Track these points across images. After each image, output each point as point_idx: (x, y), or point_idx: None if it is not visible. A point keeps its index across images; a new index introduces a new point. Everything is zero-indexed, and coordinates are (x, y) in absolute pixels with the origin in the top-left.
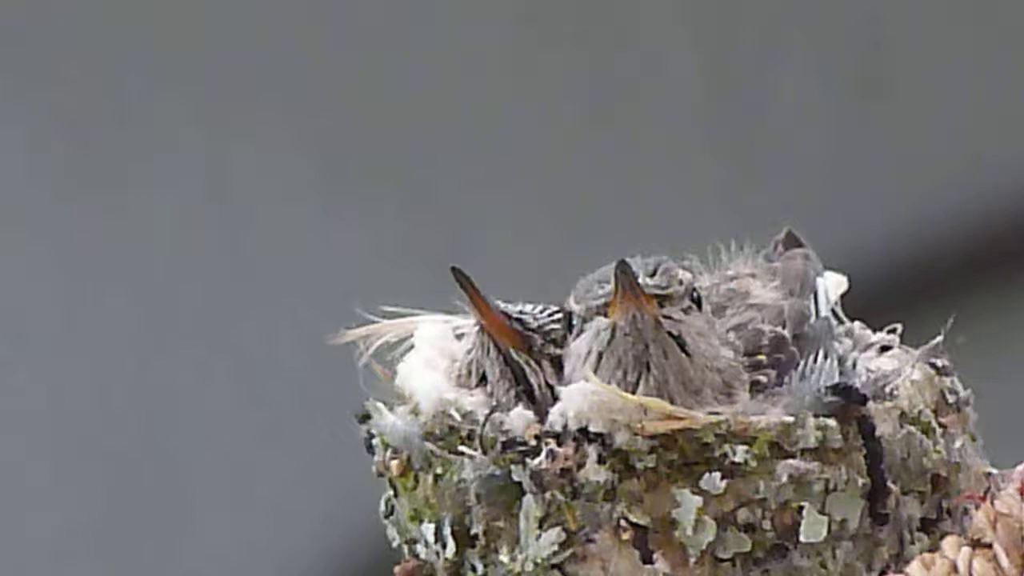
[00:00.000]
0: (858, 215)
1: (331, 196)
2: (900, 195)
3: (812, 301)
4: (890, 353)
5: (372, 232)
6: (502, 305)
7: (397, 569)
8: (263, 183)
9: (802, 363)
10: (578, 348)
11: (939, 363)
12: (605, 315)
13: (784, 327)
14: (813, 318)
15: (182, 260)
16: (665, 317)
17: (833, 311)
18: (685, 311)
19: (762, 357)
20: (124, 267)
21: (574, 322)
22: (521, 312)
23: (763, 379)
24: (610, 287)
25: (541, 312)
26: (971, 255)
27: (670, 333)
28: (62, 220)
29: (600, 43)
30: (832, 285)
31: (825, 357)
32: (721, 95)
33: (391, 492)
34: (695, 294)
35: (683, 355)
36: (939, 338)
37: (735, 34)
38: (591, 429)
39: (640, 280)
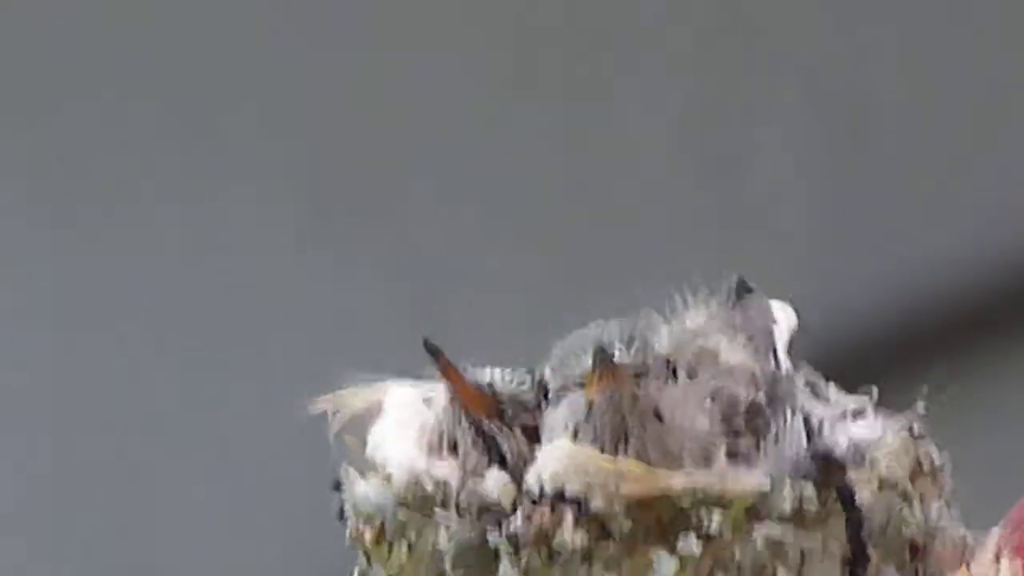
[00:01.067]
0: (835, 277)
1: (309, 254)
2: (878, 259)
3: (773, 356)
4: (866, 417)
5: (349, 289)
6: (473, 372)
7: None
8: (237, 242)
9: (774, 426)
10: (554, 422)
11: (916, 429)
12: (581, 387)
13: (758, 390)
14: (780, 375)
15: (153, 316)
16: (643, 391)
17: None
18: (662, 384)
19: (740, 422)
20: (96, 319)
21: (549, 394)
22: (492, 379)
23: (741, 444)
24: (586, 361)
25: (511, 378)
26: (948, 320)
27: (647, 407)
28: (29, 271)
29: (578, 103)
30: (782, 322)
31: (794, 414)
32: (700, 157)
33: (364, 561)
34: (671, 365)
35: (661, 426)
36: (918, 404)
37: (716, 93)
38: (567, 492)
39: (616, 357)
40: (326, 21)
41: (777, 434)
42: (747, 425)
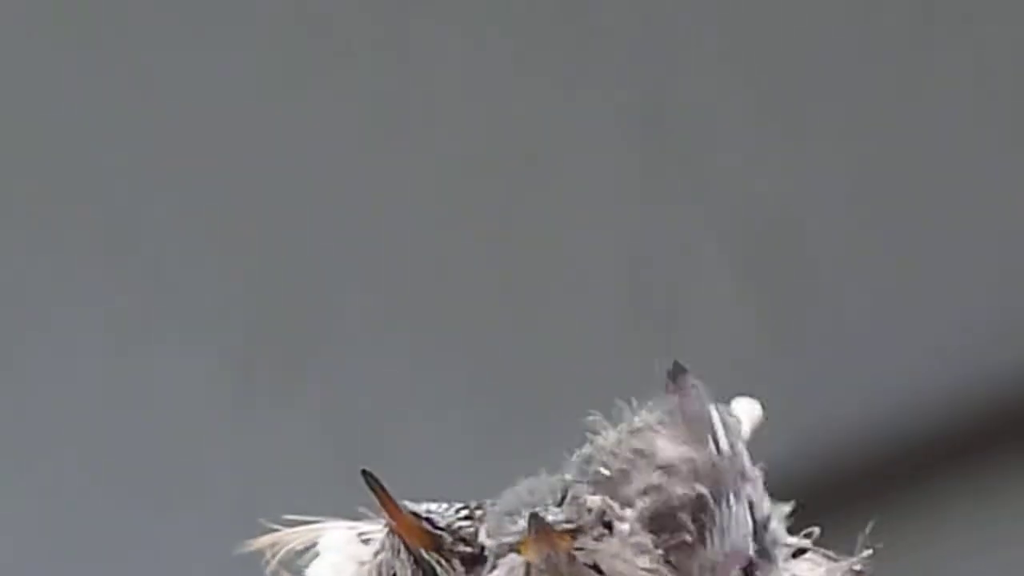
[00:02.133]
0: (771, 430)
1: (240, 400)
2: (807, 395)
3: (712, 440)
4: (807, 558)
5: (281, 435)
6: (410, 505)
7: None
8: (165, 388)
9: (719, 516)
10: None
11: (858, 570)
12: (518, 552)
13: (699, 483)
14: (721, 461)
15: (85, 464)
16: (578, 549)
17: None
18: (597, 539)
19: (683, 520)
20: (22, 466)
21: (487, 554)
22: (429, 511)
23: (687, 540)
24: (521, 523)
25: (448, 510)
26: (883, 456)
27: (585, 564)
28: None
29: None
30: (744, 414)
31: (738, 500)
32: (636, 295)
33: None
34: (605, 518)
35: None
36: (862, 547)
37: (652, 239)
38: None
39: (550, 519)
40: (254, 169)
41: (721, 526)
42: (693, 522)
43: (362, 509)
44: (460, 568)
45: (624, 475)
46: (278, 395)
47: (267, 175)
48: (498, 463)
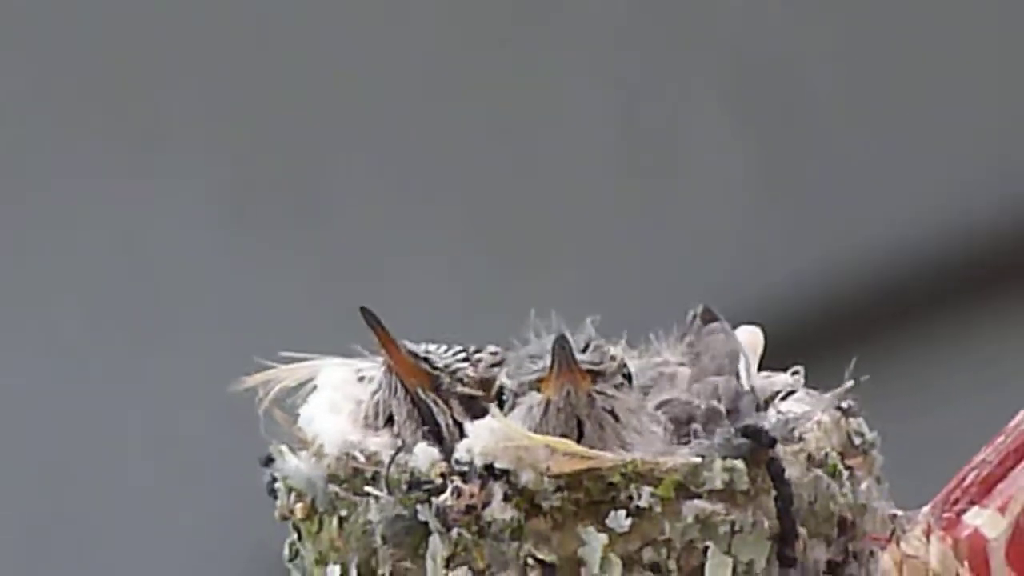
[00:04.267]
0: (760, 259)
1: (235, 239)
2: (809, 258)
3: (738, 377)
4: (796, 396)
5: (277, 276)
6: (409, 345)
7: None
8: (164, 228)
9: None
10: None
11: (846, 406)
12: (538, 390)
13: (719, 402)
14: (744, 390)
15: (85, 307)
16: (598, 393)
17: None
18: (617, 387)
19: (696, 427)
20: (25, 315)
21: (505, 397)
22: (428, 351)
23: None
24: (543, 363)
25: (447, 351)
26: (876, 298)
27: (603, 408)
28: None
29: (515, 98)
30: (749, 346)
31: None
32: (633, 141)
33: (295, 536)
34: (626, 371)
35: (618, 424)
36: (847, 382)
37: (648, 84)
38: (497, 467)
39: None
40: (250, 13)
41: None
42: (705, 429)
43: (358, 347)
44: (458, 408)
45: (645, 389)
46: (272, 238)
47: (264, 20)
48: (490, 306)
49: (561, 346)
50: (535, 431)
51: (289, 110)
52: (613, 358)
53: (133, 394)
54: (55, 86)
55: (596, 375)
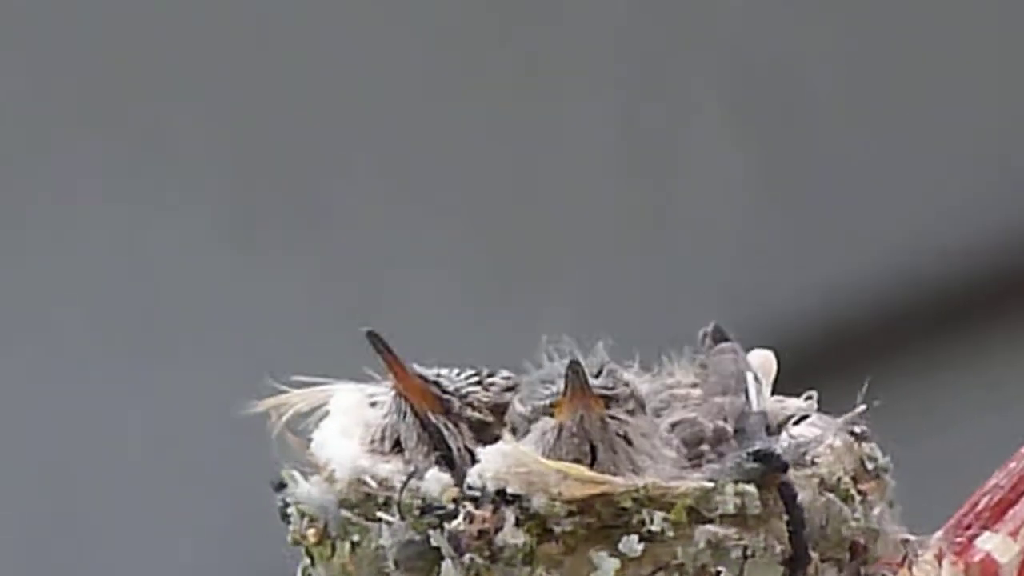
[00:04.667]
0: (769, 281)
1: (237, 242)
2: (811, 261)
3: (745, 397)
4: (809, 421)
5: (284, 289)
6: (418, 368)
7: None
8: (165, 229)
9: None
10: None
11: (858, 430)
12: (551, 415)
13: (725, 422)
14: (750, 410)
15: (86, 309)
16: (611, 418)
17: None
18: (630, 412)
19: (705, 448)
20: (26, 321)
21: (517, 425)
22: (438, 375)
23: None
24: (556, 387)
25: (459, 375)
26: (887, 321)
27: (616, 433)
28: None
29: (516, 100)
30: (762, 369)
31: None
32: (633, 141)
33: (308, 561)
34: (638, 396)
35: (631, 449)
36: (859, 406)
37: (648, 85)
38: (509, 491)
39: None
40: (250, 15)
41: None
42: (713, 450)
43: (369, 371)
44: (468, 433)
45: (657, 412)
46: (274, 240)
47: (265, 22)
48: (493, 307)
49: (574, 371)
50: (548, 456)
51: (291, 113)
52: (627, 384)
53: (134, 396)
54: (55, 87)
55: (609, 400)
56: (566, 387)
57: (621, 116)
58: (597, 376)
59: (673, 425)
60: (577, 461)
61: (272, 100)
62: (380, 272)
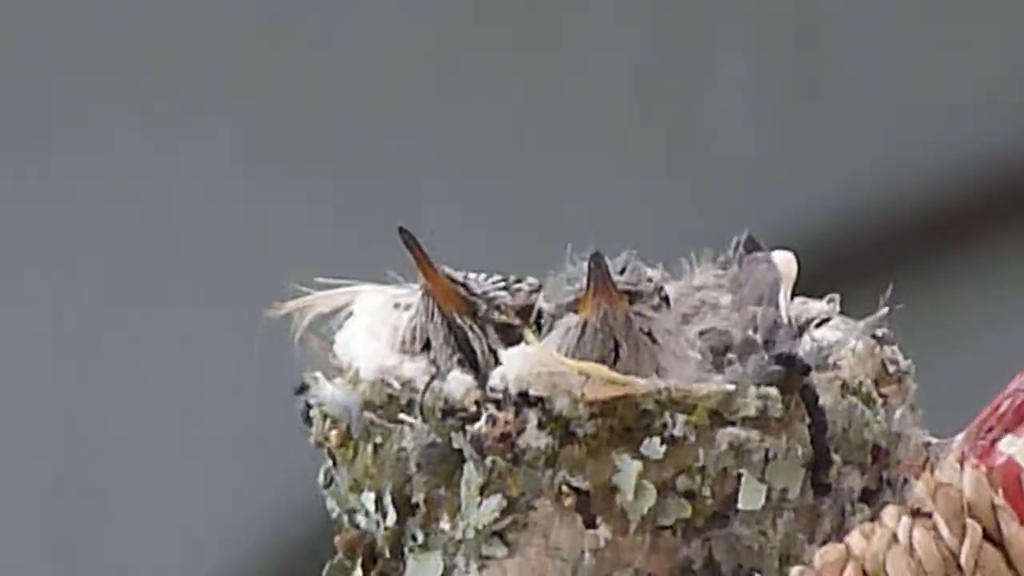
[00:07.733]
0: (794, 186)
1: (264, 169)
2: (836, 165)
3: (777, 308)
4: (831, 324)
5: (306, 206)
6: (447, 270)
7: (337, 540)
8: (192, 156)
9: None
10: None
11: (880, 334)
12: (575, 312)
13: (756, 332)
14: (782, 322)
15: (108, 238)
16: (636, 314)
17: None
18: (655, 309)
19: (732, 356)
20: (49, 247)
21: (543, 321)
22: (466, 277)
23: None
24: (580, 284)
25: (486, 279)
26: (909, 227)
27: (641, 329)
28: None
29: (533, 42)
30: (784, 272)
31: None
32: (658, 72)
33: (330, 463)
34: (663, 293)
35: (655, 346)
36: (882, 309)
37: (670, 28)
38: (531, 394)
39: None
40: None
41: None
42: (740, 358)
43: (392, 274)
44: (494, 335)
45: (686, 318)
46: (293, 181)
47: None
48: (512, 250)
49: (597, 265)
50: (572, 353)
51: (311, 53)
52: (650, 279)
53: (161, 349)
54: (71, 36)
55: (633, 296)
56: (589, 282)
57: (647, 42)
58: (621, 273)
59: (702, 332)
60: (601, 359)
61: (290, 44)
62: (402, 208)
